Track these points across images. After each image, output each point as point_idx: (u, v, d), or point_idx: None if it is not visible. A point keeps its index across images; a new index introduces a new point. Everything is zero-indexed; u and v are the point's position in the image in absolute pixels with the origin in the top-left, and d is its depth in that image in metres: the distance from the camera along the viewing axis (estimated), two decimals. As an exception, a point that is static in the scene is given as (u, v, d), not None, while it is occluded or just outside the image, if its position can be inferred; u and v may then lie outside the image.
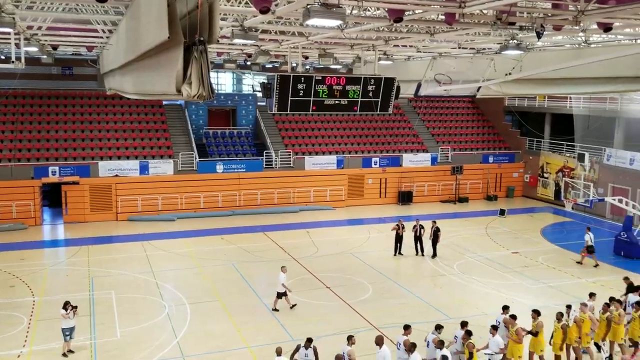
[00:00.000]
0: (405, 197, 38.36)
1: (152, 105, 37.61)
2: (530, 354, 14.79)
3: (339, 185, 37.17)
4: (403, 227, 25.89)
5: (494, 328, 14.09)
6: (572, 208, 31.42)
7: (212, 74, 39.31)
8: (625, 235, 26.46)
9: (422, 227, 25.80)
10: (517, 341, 14.07)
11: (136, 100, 34.61)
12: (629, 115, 34.40)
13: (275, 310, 19.22)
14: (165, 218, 32.66)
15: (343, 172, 37.29)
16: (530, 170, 41.38)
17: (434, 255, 25.64)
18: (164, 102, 38.11)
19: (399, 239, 25.80)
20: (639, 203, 29.48)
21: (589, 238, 25.03)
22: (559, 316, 14.82)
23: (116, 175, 32.80)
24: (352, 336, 13.37)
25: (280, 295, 19.30)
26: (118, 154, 34.04)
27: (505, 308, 15.23)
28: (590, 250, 24.86)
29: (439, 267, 24.51)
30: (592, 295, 16.44)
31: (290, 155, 36.85)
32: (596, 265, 24.60)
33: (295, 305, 19.40)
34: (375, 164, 38.23)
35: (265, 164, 36.03)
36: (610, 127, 35.76)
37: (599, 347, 15.78)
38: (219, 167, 34.81)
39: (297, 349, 12.96)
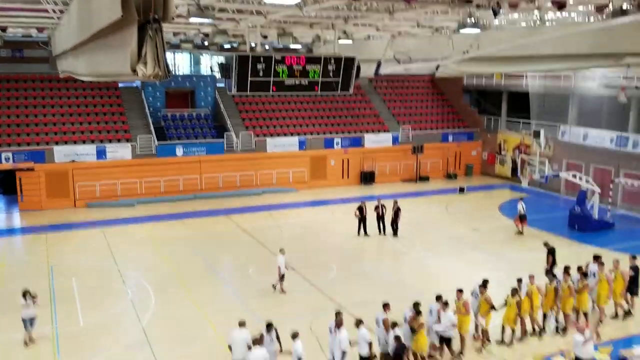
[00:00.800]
0: (367, 178, 38.63)
1: (107, 88, 36.63)
2: (476, 327, 15.23)
3: (302, 167, 37.13)
4: (366, 209, 26.03)
5: (445, 304, 14.25)
6: (529, 184, 32.20)
7: (169, 55, 38.38)
8: (579, 209, 27.32)
9: (383, 206, 26.04)
10: (465, 314, 14.50)
11: (91, 83, 33.67)
12: (583, 92, 35.31)
13: (283, 292, 19.16)
14: (125, 203, 32.05)
15: (305, 154, 37.25)
16: (488, 148, 42.18)
17: (395, 234, 25.92)
18: (120, 85, 37.17)
19: (362, 220, 25.97)
20: (592, 178, 30.42)
21: (521, 207, 26.51)
22: (513, 292, 15.19)
23: (72, 161, 31.94)
24: (388, 304, 13.80)
25: (282, 277, 19.21)
26: (74, 139, 33.11)
27: (485, 285, 15.39)
28: (522, 218, 26.33)
29: (401, 246, 24.85)
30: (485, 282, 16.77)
31: (251, 137, 36.56)
32: (521, 233, 26.33)
33: (285, 292, 19.30)
34: (337, 145, 38.29)
35: (227, 147, 35.66)
36: (565, 104, 36.69)
37: (544, 318, 16.30)
38: (179, 151, 34.29)
39: (261, 337, 12.88)
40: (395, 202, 26.20)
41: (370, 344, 12.85)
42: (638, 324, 16.80)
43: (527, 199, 34.57)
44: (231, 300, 18.69)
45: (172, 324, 16.82)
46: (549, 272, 17.84)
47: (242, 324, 13.05)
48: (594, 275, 16.77)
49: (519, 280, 15.90)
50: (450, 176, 40.99)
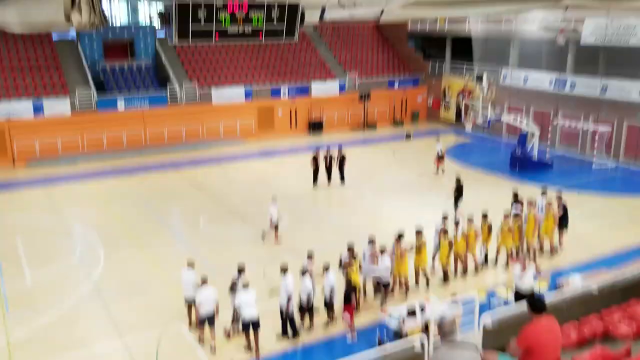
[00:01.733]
0: (315, 127, 38.63)
1: (40, 41, 34.80)
2: (416, 269, 15.80)
3: (249, 118, 36.75)
4: (320, 158, 25.97)
5: (381, 251, 14.74)
6: (472, 128, 33.01)
7: (104, 2, 36.70)
8: (520, 151, 28.32)
9: (331, 156, 26.09)
10: (400, 259, 14.99)
11: (22, 35, 31.90)
12: (523, 36, 35.97)
13: (277, 241, 19.42)
14: (67, 161, 31.04)
15: (252, 104, 36.81)
16: (433, 94, 42.74)
17: (342, 181, 26.17)
18: (54, 37, 35.39)
19: (317, 170, 25.91)
20: (532, 120, 31.44)
21: (440, 148, 27.67)
22: (444, 233, 15.91)
23: (8, 118, 30.55)
24: (374, 239, 14.98)
25: (275, 227, 19.36)
26: (8, 95, 31.53)
27: (420, 231, 15.89)
28: (440, 158, 27.65)
29: (351, 192, 25.24)
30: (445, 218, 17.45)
31: (195, 88, 35.76)
32: (442, 171, 27.61)
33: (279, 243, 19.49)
34: (284, 95, 37.95)
35: (170, 99, 34.80)
36: (506, 48, 37.36)
37: (482, 255, 17.21)
38: (120, 104, 33.25)
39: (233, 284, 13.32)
40: (340, 150, 26.32)
41: (309, 294, 13.18)
42: (573, 255, 17.83)
43: (470, 143, 35.66)
44: (183, 253, 18.62)
45: (123, 279, 16.76)
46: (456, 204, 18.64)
47: (190, 264, 13.81)
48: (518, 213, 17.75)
49: (457, 223, 16.58)
50: (397, 123, 41.48)
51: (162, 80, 36.17)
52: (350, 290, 13.53)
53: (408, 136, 36.45)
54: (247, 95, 36.78)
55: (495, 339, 8.62)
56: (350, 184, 26.20)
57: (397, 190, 25.24)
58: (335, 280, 13.80)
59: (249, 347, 12.84)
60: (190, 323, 14.02)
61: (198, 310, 12.95)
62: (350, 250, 14.53)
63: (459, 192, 21.63)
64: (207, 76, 37.33)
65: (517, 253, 17.17)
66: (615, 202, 23.13)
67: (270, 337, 13.34)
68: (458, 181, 21.88)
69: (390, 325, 12.97)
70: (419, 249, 15.53)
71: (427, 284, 15.90)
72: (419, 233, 15.72)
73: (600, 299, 10.19)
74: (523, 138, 28.60)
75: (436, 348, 6.65)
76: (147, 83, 35.53)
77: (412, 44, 45.84)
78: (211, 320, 12.96)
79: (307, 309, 13.61)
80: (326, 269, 13.63)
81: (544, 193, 19.10)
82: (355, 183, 26.46)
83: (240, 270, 13.51)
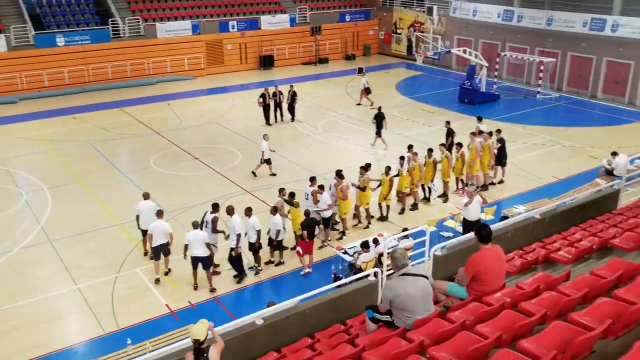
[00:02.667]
0: (266, 62, 37.89)
1: (-34, -29, 32.33)
2: (356, 207, 15.96)
3: (197, 53, 35.65)
4: (269, 95, 25.54)
5: (321, 187, 14.71)
6: (423, 62, 33.10)
7: None
8: (469, 84, 28.73)
9: (280, 92, 25.63)
10: (342, 198, 15.01)
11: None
12: (473, -32, 35.68)
13: (254, 174, 19.46)
14: (5, 101, 29.60)
15: (200, 38, 35.63)
16: (385, 28, 42.38)
17: (293, 118, 25.99)
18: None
19: (266, 107, 25.44)
20: (481, 52, 31.74)
21: (365, 81, 28.14)
22: (387, 170, 15.94)
23: (-64, 56, 28.70)
24: (315, 177, 15.13)
25: (265, 161, 19.38)
26: None
27: (366, 168, 16.00)
28: (367, 91, 28.06)
29: (303, 129, 25.22)
30: (410, 147, 17.66)
31: (139, 22, 34.24)
32: (359, 104, 28.28)
33: (275, 174, 19.60)
34: (233, 28, 36.82)
35: (113, 34, 33.28)
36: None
37: (428, 189, 17.56)
38: (60, 40, 31.62)
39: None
40: (291, 87, 26.01)
41: (258, 232, 13.22)
42: (517, 185, 18.57)
43: (421, 76, 35.85)
44: (133, 192, 18.38)
45: (73, 221, 16.49)
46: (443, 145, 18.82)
47: (146, 197, 14.20)
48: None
49: (402, 158, 16.75)
50: (349, 57, 41.11)
51: (103, 13, 34.39)
52: (311, 222, 13.65)
53: (360, 70, 36.25)
54: (195, 29, 35.51)
55: (445, 268, 9.04)
56: (303, 120, 26.14)
57: (350, 126, 25.35)
58: (282, 221, 13.88)
59: (195, 285, 13.02)
60: (145, 253, 14.43)
61: (150, 241, 13.34)
62: (339, 173, 14.87)
63: (378, 120, 22.14)
64: (152, 9, 35.73)
65: (465, 184, 17.77)
66: (557, 133, 23.98)
67: (228, 278, 13.56)
68: (379, 109, 22.50)
69: (345, 260, 13.39)
70: (363, 186, 15.54)
71: (383, 219, 16.26)
72: (363, 169, 15.78)
73: (542, 227, 10.77)
74: (472, 70, 28.95)
75: (389, 278, 6.97)
76: (87, 17, 33.74)
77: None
78: (164, 252, 13.31)
79: (276, 244, 13.82)
80: (274, 210, 13.68)
81: (480, 119, 19.91)
82: (308, 118, 26.41)
83: (215, 206, 13.82)
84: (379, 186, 16.01)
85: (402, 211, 16.78)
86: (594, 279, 6.34)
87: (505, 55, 32.28)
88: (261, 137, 19.69)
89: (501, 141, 18.41)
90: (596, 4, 29.67)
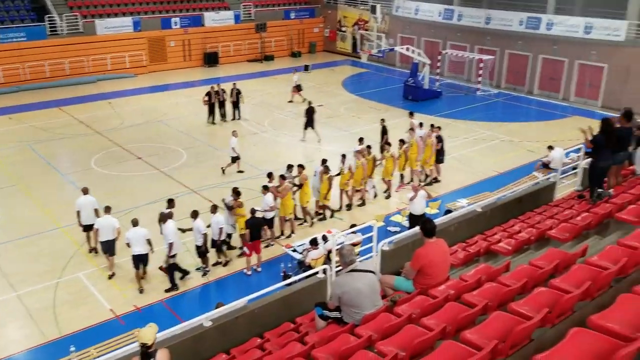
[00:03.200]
0: (211, 59, 37.43)
1: None
2: (301, 207, 15.80)
3: (139, 50, 34.84)
4: (214, 94, 25.14)
5: (265, 188, 14.54)
6: (368, 59, 33.50)
7: None
8: (412, 81, 29.28)
9: (223, 91, 25.27)
10: (281, 197, 14.80)
11: None
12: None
13: (223, 172, 19.30)
14: None
15: (141, 35, 34.82)
16: (330, 25, 42.60)
17: (239, 117, 25.69)
18: None
19: (212, 106, 25.06)
20: (423, 50, 32.38)
21: (296, 78, 28.57)
22: (326, 169, 15.87)
23: None
24: (272, 173, 15.21)
25: (234, 159, 19.19)
26: None
27: (324, 161, 16.16)
28: (298, 88, 28.44)
29: (251, 126, 25.07)
30: (361, 140, 17.97)
31: (77, 19, 33.13)
32: (291, 101, 28.53)
33: (242, 171, 19.42)
34: (175, 25, 36.17)
35: (50, 31, 32.08)
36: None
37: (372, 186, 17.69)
38: (-7, 37, 30.29)
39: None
40: (234, 85, 25.61)
41: (205, 235, 13.07)
42: (460, 179, 19.08)
43: (367, 73, 36.25)
44: (74, 194, 17.79)
45: (11, 226, 15.88)
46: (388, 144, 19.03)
47: (85, 192, 14.05)
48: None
49: (343, 156, 16.70)
50: (294, 54, 41.12)
51: (39, 10, 33.09)
52: (255, 222, 13.59)
53: (306, 68, 36.36)
54: (136, 26, 34.67)
55: (392, 262, 9.22)
56: (249, 118, 25.98)
57: (298, 123, 25.33)
58: (225, 220, 13.78)
59: (139, 283, 12.93)
60: (90, 250, 14.27)
61: (96, 237, 13.35)
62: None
63: (309, 115, 22.51)
64: (90, 6, 34.66)
65: (411, 179, 18.11)
66: (497, 128, 24.77)
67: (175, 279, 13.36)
68: (309, 103, 22.94)
69: (294, 258, 13.42)
70: (302, 184, 15.45)
71: (330, 216, 16.36)
72: (300, 167, 15.72)
73: (484, 220, 11.13)
74: (415, 68, 29.51)
75: (338, 275, 7.05)
76: (22, 14, 32.39)
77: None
78: (111, 248, 13.21)
79: (220, 243, 13.67)
80: (214, 208, 13.48)
81: (411, 114, 20.24)
82: (254, 116, 26.28)
83: (170, 200, 13.75)
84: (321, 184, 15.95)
85: (349, 207, 16.94)
86: (532, 269, 6.60)
87: (447, 53, 33.06)
88: (202, 136, 19.46)
89: (439, 138, 18.61)
90: (532, 3, 30.77)
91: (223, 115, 25.56)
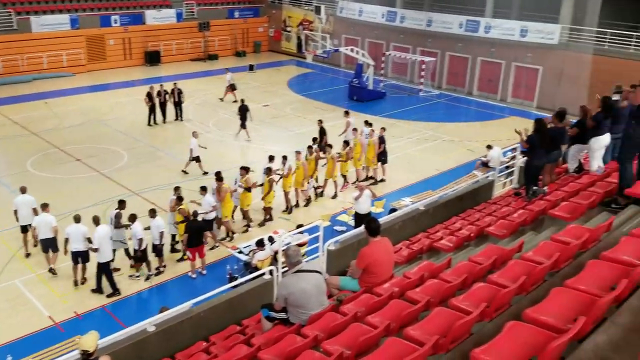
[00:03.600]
0: (152, 58, 36.66)
1: None
2: (240, 210, 15.63)
3: (77, 48, 33.73)
4: (155, 94, 24.58)
5: (203, 189, 14.32)
6: (313, 59, 33.66)
7: None
8: (357, 81, 29.61)
9: (166, 92, 24.66)
10: (220, 199, 14.50)
11: None
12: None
13: (185, 172, 19.03)
14: None
15: (79, 33, 33.73)
16: (274, 25, 42.51)
17: (181, 118, 25.17)
18: None
19: (153, 107, 24.44)
20: (367, 52, 32.79)
21: (230, 77, 28.42)
22: (267, 171, 15.76)
23: None
24: (179, 187, 14.43)
25: (194, 159, 18.93)
26: None
27: (247, 169, 15.73)
28: (232, 88, 28.38)
29: (194, 127, 24.69)
30: (315, 139, 17.96)
31: (11, 15, 31.75)
32: (235, 101, 27.28)
33: (207, 172, 18.77)
34: (115, 23, 35.23)
35: (-20, 27, 30.68)
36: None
37: (314, 188, 17.65)
38: None
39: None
40: (175, 85, 25.00)
41: (140, 240, 12.69)
42: (403, 178, 19.43)
43: (312, 74, 36.38)
44: (9, 198, 17.08)
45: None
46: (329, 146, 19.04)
47: (23, 190, 13.76)
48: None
49: (284, 157, 16.53)
50: (239, 54, 40.80)
51: (-33, 4, 31.60)
52: (196, 227, 13.33)
53: (251, 67, 36.16)
54: (73, 23, 33.57)
55: (339, 262, 9.31)
56: (192, 118, 25.60)
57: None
58: (165, 224, 13.53)
59: (75, 275, 12.79)
60: (27, 255, 13.94)
61: (34, 234, 13.23)
62: (177, 191, 14.07)
63: (242, 113, 22.68)
64: (25, 2, 33.29)
65: (356, 179, 18.30)
66: (438, 128, 25.38)
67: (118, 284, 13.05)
68: (242, 101, 23.23)
69: (240, 259, 13.33)
70: (247, 186, 15.20)
71: (265, 221, 16.10)
72: (244, 170, 15.44)
73: (427, 218, 11.41)
74: (360, 69, 29.86)
75: (284, 275, 7.08)
76: (-52, 8, 30.84)
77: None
78: (52, 247, 13.09)
79: (160, 248, 13.37)
80: (132, 218, 12.98)
81: (347, 113, 20.28)
82: (198, 116, 25.92)
83: (122, 202, 13.58)
84: (261, 185, 15.85)
85: (295, 206, 16.97)
86: (472, 265, 6.83)
87: (390, 54, 33.60)
88: (143, 137, 19.07)
89: (381, 139, 18.67)
90: (471, 6, 31.68)
91: (164, 116, 24.94)
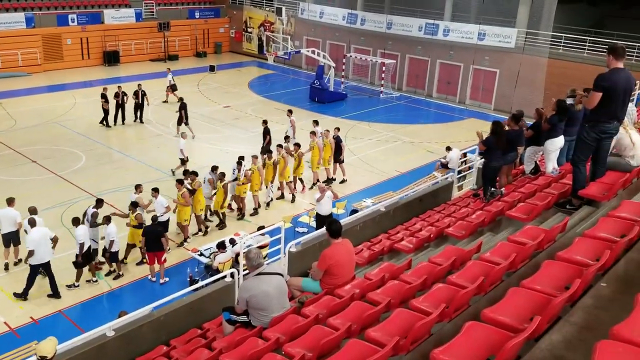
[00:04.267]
0: (111, 58, 35.96)
1: None
2: (196, 216, 15.35)
3: (32, 48, 32.81)
4: (115, 96, 24.02)
5: (155, 190, 14.02)
6: (274, 61, 33.56)
7: None
8: (318, 83, 29.69)
9: (124, 93, 24.12)
10: (184, 204, 14.31)
11: None
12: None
13: (172, 173, 18.74)
14: None
15: (35, 32, 32.82)
16: (235, 26, 42.26)
17: (141, 120, 24.76)
18: None
19: (109, 108, 23.87)
20: (328, 53, 32.92)
21: (170, 77, 27.93)
22: (221, 176, 15.48)
23: None
24: (140, 185, 14.39)
25: (182, 161, 18.73)
26: None
27: (215, 168, 15.82)
28: (173, 88, 27.94)
29: (154, 128, 24.37)
30: (287, 138, 18.00)
31: (-40, 12, 30.72)
32: (166, 101, 27.78)
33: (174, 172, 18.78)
34: (72, 22, 34.42)
35: None
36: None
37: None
38: None
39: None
40: (139, 86, 24.65)
41: (81, 245, 12.29)
42: (364, 180, 19.59)
43: (273, 75, 36.31)
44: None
45: None
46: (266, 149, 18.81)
47: (10, 201, 13.22)
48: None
49: (240, 160, 16.22)
50: (200, 54, 40.40)
51: None
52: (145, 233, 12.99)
53: (212, 68, 35.84)
54: (29, 22, 32.64)
55: (300, 264, 9.32)
56: (152, 119, 25.21)
57: (202, 123, 24.93)
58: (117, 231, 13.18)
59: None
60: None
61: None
62: (133, 203, 13.78)
63: (182, 110, 22.71)
64: (-26, -2, 32.24)
65: (317, 180, 18.30)
66: (398, 129, 25.67)
67: (76, 290, 12.74)
68: (181, 99, 23.46)
69: (201, 262, 13.20)
70: (194, 189, 14.86)
71: (222, 226, 15.86)
72: (194, 175, 15.13)
73: (388, 219, 11.52)
74: (321, 70, 29.95)
75: (245, 278, 7.04)
76: None
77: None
78: (14, 240, 13.24)
79: (109, 256, 13.08)
80: (107, 219, 12.83)
81: (316, 122, 20.11)
82: (159, 117, 25.55)
83: (99, 201, 13.59)
84: (215, 191, 15.56)
85: (255, 211, 16.79)
86: (432, 266, 6.92)
87: (351, 56, 33.81)
88: (102, 139, 18.71)
89: (337, 139, 18.68)
90: (430, 10, 32.15)
91: (123, 118, 24.44)
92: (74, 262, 12.56)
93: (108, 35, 35.78)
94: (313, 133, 18.65)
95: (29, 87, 30.04)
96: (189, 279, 12.56)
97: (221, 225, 15.82)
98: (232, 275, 8.95)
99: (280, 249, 10.10)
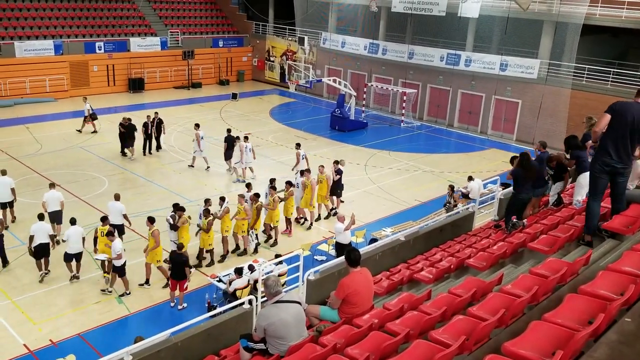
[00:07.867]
0: (136, 85, 36.71)
1: None
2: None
3: (60, 74, 33.67)
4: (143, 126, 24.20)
5: (111, 234, 13.33)
6: (295, 89, 34.00)
7: None
8: (339, 112, 29.89)
9: (152, 123, 24.27)
10: (155, 246, 13.67)
11: None
12: (341, 1, 37.37)
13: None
14: None
15: (63, 59, 33.71)
16: (258, 54, 42.94)
17: (159, 147, 24.91)
18: None
19: (123, 137, 23.75)
20: (350, 82, 33.21)
21: (89, 107, 26.51)
22: (206, 213, 14.94)
23: None
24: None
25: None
26: None
27: (222, 199, 15.61)
28: (93, 117, 26.82)
29: (176, 154, 24.68)
30: (248, 185, 16.85)
31: (-7, 39, 31.72)
32: (94, 131, 27.07)
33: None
34: (100, 50, 35.33)
35: (-38, 51, 30.52)
36: (326, 12, 38.60)
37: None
38: None
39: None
40: (156, 114, 24.85)
41: (118, 256, 13.06)
42: (385, 209, 19.51)
43: (294, 103, 36.68)
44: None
45: None
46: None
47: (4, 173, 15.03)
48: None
49: (222, 199, 15.62)
50: (222, 82, 41.04)
51: (-51, 28, 31.47)
52: (179, 258, 13.17)
53: (234, 96, 36.35)
54: (57, 49, 33.57)
55: (319, 292, 9.27)
56: (174, 145, 25.55)
57: (221, 152, 25.10)
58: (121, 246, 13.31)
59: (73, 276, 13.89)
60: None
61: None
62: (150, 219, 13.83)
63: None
64: (9, 26, 33.28)
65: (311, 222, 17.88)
66: (419, 159, 25.64)
67: (93, 312, 12.81)
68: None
69: (219, 288, 13.20)
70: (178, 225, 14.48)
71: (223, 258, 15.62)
72: (180, 210, 14.75)
73: (407, 249, 11.44)
74: (342, 99, 30.19)
75: (264, 305, 7.02)
76: None
77: (236, 2, 45.30)
78: (45, 253, 13.99)
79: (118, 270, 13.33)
80: (111, 234, 13.29)
81: (298, 145, 20.18)
82: (181, 145, 25.88)
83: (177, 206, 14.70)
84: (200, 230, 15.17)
85: (274, 242, 16.61)
86: (452, 297, 6.84)
87: (372, 85, 34.06)
88: (125, 164, 18.85)
89: (339, 172, 18.39)
90: (452, 40, 32.35)
91: (150, 148, 24.55)
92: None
93: (133, 62, 36.59)
94: (322, 166, 18.32)
95: (55, 112, 30.74)
96: (207, 305, 12.56)
97: (209, 263, 15.33)
98: (250, 302, 8.93)
99: (298, 277, 10.06)
